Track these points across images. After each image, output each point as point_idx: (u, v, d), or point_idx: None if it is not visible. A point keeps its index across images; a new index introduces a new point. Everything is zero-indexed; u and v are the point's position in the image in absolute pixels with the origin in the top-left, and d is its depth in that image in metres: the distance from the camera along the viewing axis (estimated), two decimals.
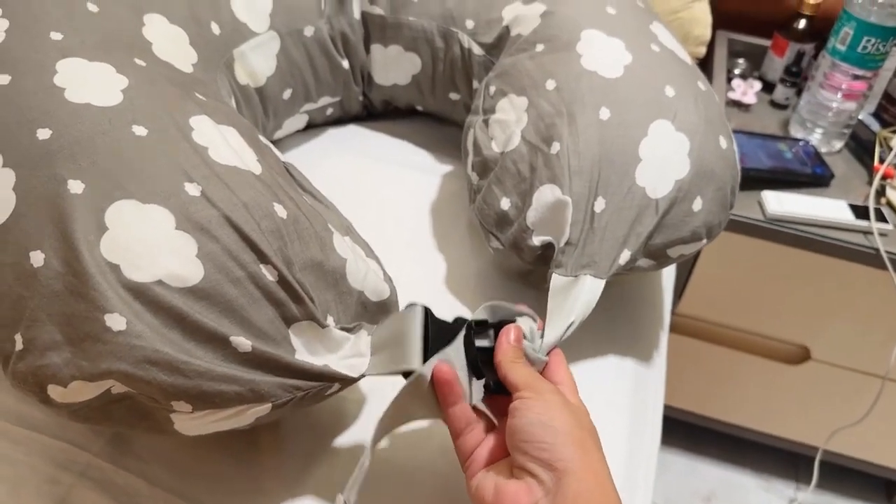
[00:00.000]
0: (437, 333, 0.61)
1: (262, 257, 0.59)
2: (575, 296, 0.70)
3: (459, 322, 0.63)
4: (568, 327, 0.67)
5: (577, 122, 0.77)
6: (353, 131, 1.07)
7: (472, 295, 0.85)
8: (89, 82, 0.66)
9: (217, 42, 0.85)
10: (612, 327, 0.86)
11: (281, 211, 0.62)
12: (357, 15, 0.98)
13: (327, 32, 0.96)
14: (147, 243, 0.56)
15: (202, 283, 0.56)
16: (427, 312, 0.62)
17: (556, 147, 0.75)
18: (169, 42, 0.78)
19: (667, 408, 1.63)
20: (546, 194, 0.74)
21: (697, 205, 0.77)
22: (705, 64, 1.53)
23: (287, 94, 0.95)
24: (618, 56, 0.82)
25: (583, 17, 0.87)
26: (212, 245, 0.57)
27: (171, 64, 0.76)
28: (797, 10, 1.44)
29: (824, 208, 1.23)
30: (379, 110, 1.09)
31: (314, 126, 1.06)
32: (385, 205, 0.95)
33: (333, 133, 1.07)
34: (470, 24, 0.96)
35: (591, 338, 0.83)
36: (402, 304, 0.66)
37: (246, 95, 0.89)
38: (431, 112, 1.08)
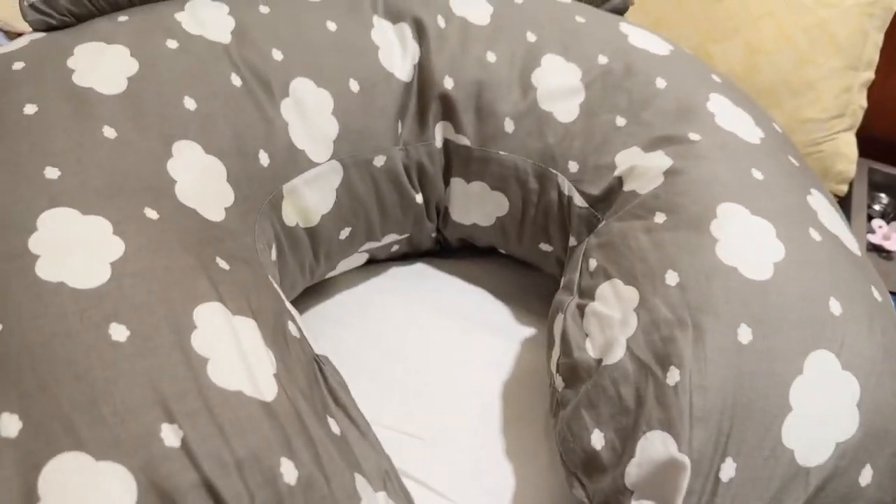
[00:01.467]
0: None
1: None
2: None
3: None
4: None
5: (705, 342, 0.57)
6: (420, 271, 0.90)
7: None
8: (72, 249, 0.51)
9: (264, 176, 0.69)
10: None
11: (290, 471, 0.45)
12: (439, 143, 0.81)
13: (401, 161, 0.80)
14: None
15: None
16: None
17: (674, 375, 0.56)
18: (199, 179, 0.63)
19: None
20: (656, 446, 0.55)
21: (866, 477, 0.56)
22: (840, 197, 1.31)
23: (345, 233, 0.79)
24: (766, 247, 0.63)
25: (720, 184, 0.68)
26: None
27: (196, 211, 0.61)
28: None
29: None
30: (454, 246, 0.92)
31: (375, 261, 0.89)
32: (447, 379, 0.77)
33: (397, 272, 0.90)
34: (573, 166, 0.78)
35: None
36: None
37: (293, 239, 0.73)
38: (516, 257, 0.90)
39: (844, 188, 1.21)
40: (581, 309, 0.67)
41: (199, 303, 0.51)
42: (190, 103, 0.67)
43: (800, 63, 1.13)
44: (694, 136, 0.74)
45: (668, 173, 0.71)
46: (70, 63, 0.65)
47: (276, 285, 0.62)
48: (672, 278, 0.62)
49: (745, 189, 0.68)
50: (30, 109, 0.61)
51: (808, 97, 1.14)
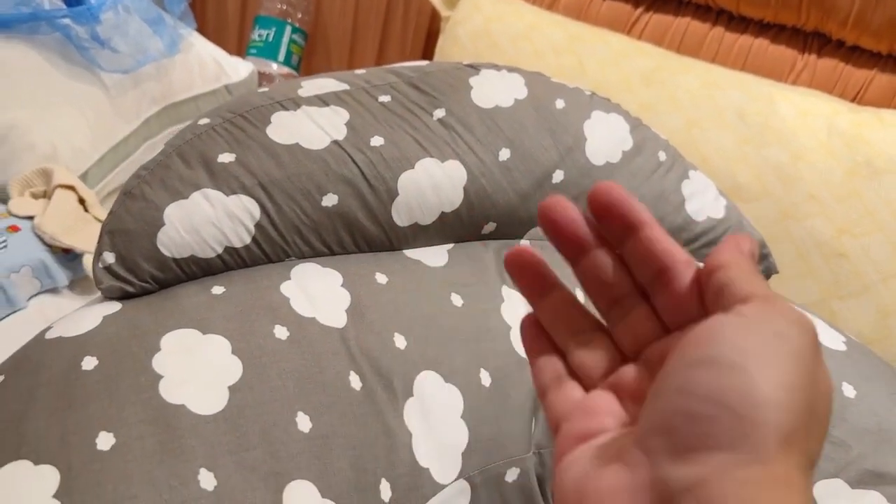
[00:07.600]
0: None
1: None
2: None
3: None
4: None
5: None
6: None
7: None
8: None
9: None
10: None
11: None
12: None
13: (535, 471, 0.64)
14: None
15: None
16: None
17: None
18: None
19: None
20: None
21: None
22: None
23: None
24: None
25: None
26: None
27: None
28: None
29: None
30: None
31: None
32: None
33: None
34: None
35: None
36: None
37: None
38: None
39: None
40: None
41: None
42: (304, 422, 0.52)
43: None
44: None
45: None
46: (156, 365, 0.51)
47: None
48: None
49: None
50: (104, 442, 0.45)
51: None
